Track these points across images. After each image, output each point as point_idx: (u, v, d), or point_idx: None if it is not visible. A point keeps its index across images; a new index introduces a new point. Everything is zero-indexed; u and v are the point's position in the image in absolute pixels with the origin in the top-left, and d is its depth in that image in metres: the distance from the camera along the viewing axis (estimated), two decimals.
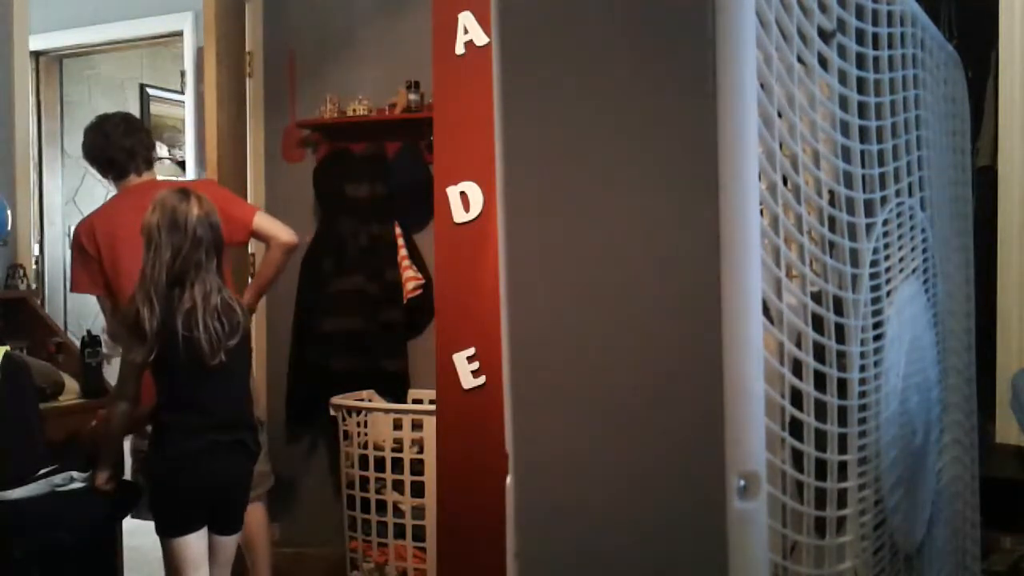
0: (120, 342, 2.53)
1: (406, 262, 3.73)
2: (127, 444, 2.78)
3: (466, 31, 2.66)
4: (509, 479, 0.90)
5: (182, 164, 5.42)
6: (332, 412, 3.37)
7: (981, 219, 2.15)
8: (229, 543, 2.51)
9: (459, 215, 2.69)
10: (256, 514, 3.04)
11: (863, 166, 1.04)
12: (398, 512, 3.29)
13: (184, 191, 2.45)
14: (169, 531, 2.39)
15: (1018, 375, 1.76)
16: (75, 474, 2.40)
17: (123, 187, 3.03)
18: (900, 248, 1.15)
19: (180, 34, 4.47)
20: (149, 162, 3.09)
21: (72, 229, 5.41)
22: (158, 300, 2.31)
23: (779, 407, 0.86)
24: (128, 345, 2.39)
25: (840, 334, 0.96)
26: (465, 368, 2.68)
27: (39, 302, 3.04)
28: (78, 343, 2.80)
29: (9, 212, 2.94)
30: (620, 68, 0.84)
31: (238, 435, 2.43)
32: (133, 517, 2.79)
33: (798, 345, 0.90)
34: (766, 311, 0.82)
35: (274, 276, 3.09)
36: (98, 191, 5.64)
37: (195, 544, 2.38)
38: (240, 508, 2.53)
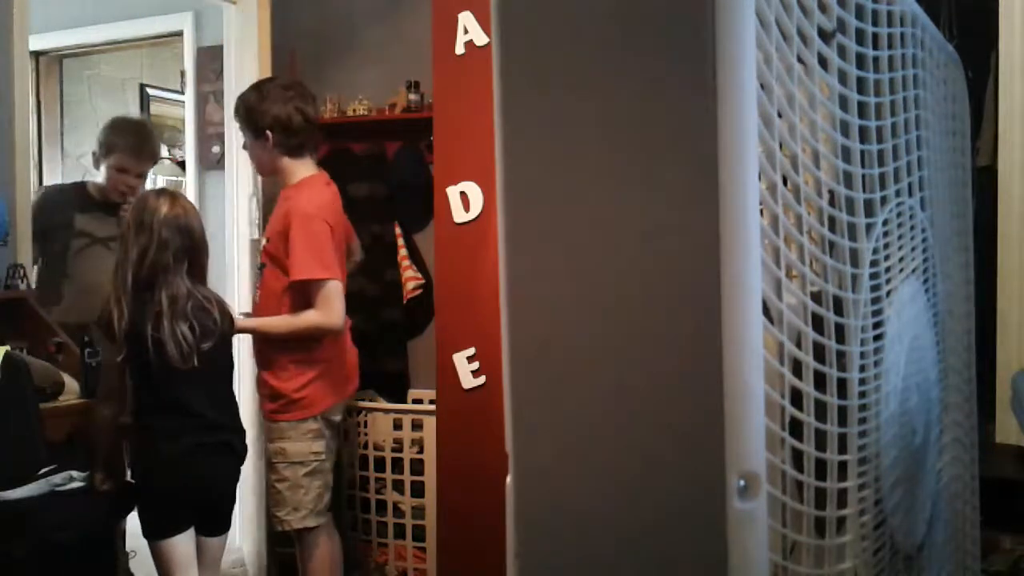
0: (97, 341, 2.55)
1: (406, 262, 3.74)
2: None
3: (466, 31, 2.66)
4: (509, 479, 0.90)
5: (182, 164, 5.42)
6: None
7: (981, 219, 2.15)
8: (216, 544, 2.50)
9: (459, 215, 2.69)
10: (320, 540, 2.84)
11: (863, 166, 1.04)
12: (398, 512, 3.29)
13: (163, 190, 2.44)
14: (155, 533, 2.38)
15: (1018, 375, 1.76)
16: (74, 474, 2.40)
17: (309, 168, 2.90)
18: (900, 248, 1.15)
19: (180, 34, 4.47)
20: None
21: None
22: (127, 301, 2.30)
23: (779, 407, 0.86)
24: (103, 345, 2.40)
25: (840, 334, 0.96)
26: (465, 368, 2.69)
27: (39, 302, 3.03)
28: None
29: (9, 212, 2.93)
30: (620, 68, 0.84)
31: (223, 436, 2.43)
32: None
33: (798, 345, 0.90)
34: (766, 311, 0.82)
35: (282, 332, 2.76)
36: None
37: (182, 546, 2.38)
38: (227, 509, 2.53)
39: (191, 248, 2.39)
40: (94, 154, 3.25)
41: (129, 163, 3.18)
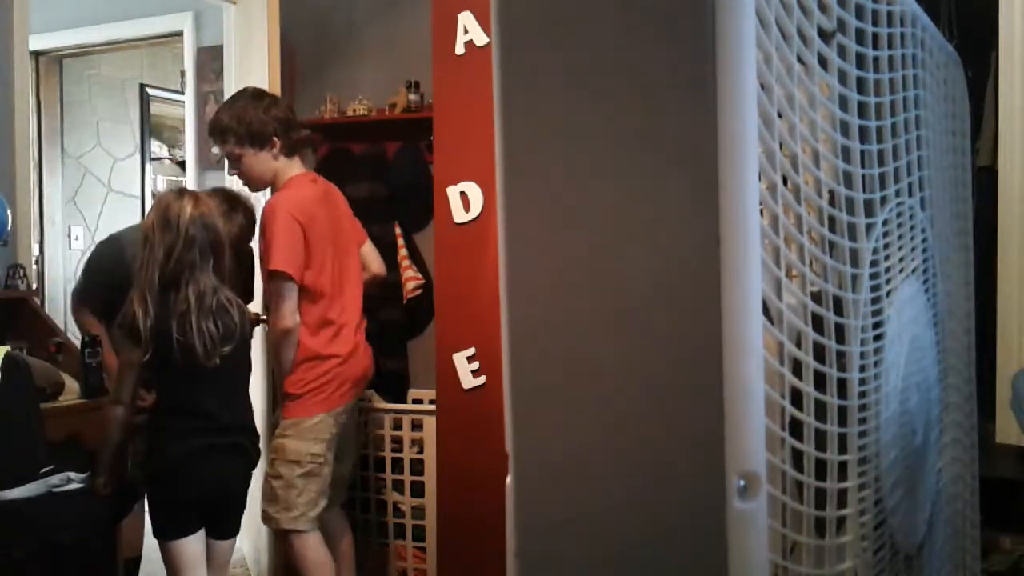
0: (117, 343, 2.53)
1: (406, 262, 3.74)
2: None
3: (466, 31, 2.66)
4: (509, 479, 0.90)
5: (182, 164, 5.42)
6: None
7: (981, 219, 2.15)
8: (225, 546, 2.50)
9: (459, 215, 2.69)
10: (310, 545, 2.80)
11: (863, 166, 1.04)
12: (398, 512, 3.29)
13: (184, 190, 2.43)
14: (165, 533, 2.39)
15: (1018, 375, 1.76)
16: (72, 475, 2.40)
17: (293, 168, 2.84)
18: (900, 248, 1.15)
19: (180, 34, 4.48)
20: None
21: (72, 229, 5.43)
22: (152, 301, 2.30)
23: (779, 407, 0.86)
24: (124, 346, 2.39)
25: (840, 334, 0.96)
26: (465, 368, 2.68)
27: (39, 302, 3.03)
28: (78, 343, 2.80)
29: (9, 212, 2.93)
30: (620, 68, 0.84)
31: (235, 438, 2.42)
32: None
33: (798, 345, 0.90)
34: (766, 311, 0.82)
35: (282, 356, 2.75)
36: (98, 191, 5.65)
37: (191, 547, 2.38)
38: (238, 512, 2.53)
39: (216, 245, 2.39)
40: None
41: None
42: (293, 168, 2.85)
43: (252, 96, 2.84)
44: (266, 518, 2.79)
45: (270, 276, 2.68)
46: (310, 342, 2.74)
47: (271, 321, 2.73)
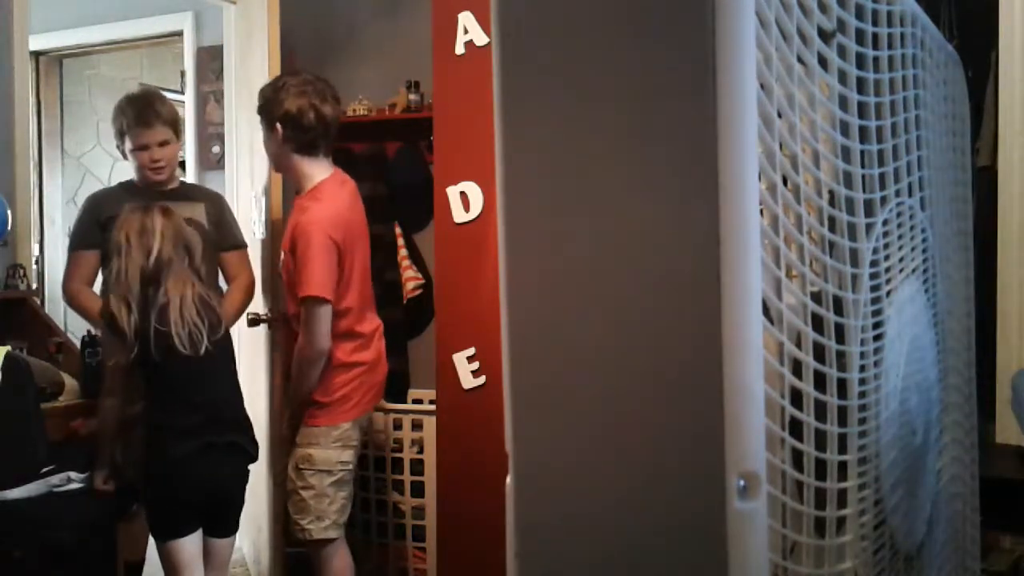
0: (103, 345, 2.54)
1: (406, 262, 3.74)
2: None
3: (466, 31, 2.66)
4: (509, 479, 0.90)
5: (182, 164, 5.41)
6: None
7: (981, 219, 2.15)
8: (224, 545, 2.51)
9: (459, 215, 2.69)
10: (339, 553, 2.78)
11: (863, 166, 1.04)
12: (398, 512, 3.29)
13: (147, 206, 2.46)
14: (163, 533, 2.39)
15: (1018, 375, 1.76)
16: (72, 474, 2.41)
17: (321, 170, 2.77)
18: (900, 248, 1.15)
19: (180, 34, 4.48)
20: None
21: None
22: (134, 300, 2.33)
23: (779, 407, 0.86)
24: (110, 346, 2.41)
25: (840, 334, 0.96)
26: (465, 368, 2.68)
27: (39, 302, 3.03)
28: (78, 343, 2.80)
29: (9, 212, 2.93)
30: (620, 68, 0.84)
31: (232, 437, 2.43)
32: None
33: (798, 345, 0.90)
34: (766, 311, 0.82)
35: (293, 385, 2.76)
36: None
37: (189, 546, 2.39)
38: (236, 511, 2.53)
39: (189, 246, 2.45)
40: (118, 148, 3.03)
41: (142, 136, 2.90)
42: (319, 170, 2.77)
43: (290, 75, 2.86)
44: (298, 530, 2.72)
45: (306, 301, 2.61)
46: (337, 351, 2.70)
47: (302, 342, 2.65)
